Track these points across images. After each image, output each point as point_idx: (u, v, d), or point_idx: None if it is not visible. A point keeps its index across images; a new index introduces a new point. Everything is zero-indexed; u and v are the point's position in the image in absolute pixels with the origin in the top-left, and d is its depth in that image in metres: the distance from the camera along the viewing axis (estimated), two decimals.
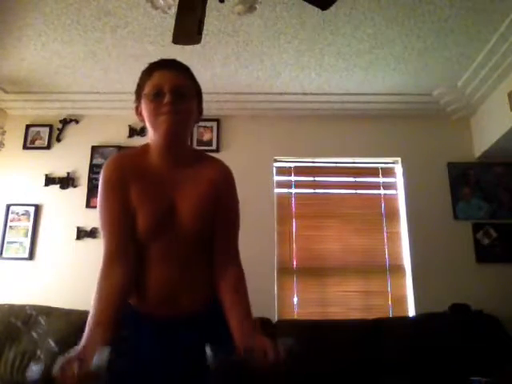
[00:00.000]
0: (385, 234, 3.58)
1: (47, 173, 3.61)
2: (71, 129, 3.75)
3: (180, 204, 1.29)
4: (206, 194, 1.33)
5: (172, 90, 1.25)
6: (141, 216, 1.26)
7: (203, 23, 2.03)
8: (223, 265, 1.37)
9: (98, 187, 1.31)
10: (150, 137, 1.33)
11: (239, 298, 1.31)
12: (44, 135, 3.73)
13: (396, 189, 3.71)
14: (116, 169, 1.30)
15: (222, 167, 1.43)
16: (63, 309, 2.97)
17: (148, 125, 1.30)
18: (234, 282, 1.34)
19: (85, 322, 1.17)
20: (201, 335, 1.22)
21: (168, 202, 1.29)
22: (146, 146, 1.35)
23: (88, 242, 3.41)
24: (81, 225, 3.44)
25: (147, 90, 1.27)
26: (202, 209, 1.31)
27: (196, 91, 1.34)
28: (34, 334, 2.80)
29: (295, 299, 3.41)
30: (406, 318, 3.29)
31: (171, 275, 1.27)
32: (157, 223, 1.27)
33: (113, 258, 1.23)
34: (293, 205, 3.63)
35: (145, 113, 1.29)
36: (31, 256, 3.42)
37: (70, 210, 3.50)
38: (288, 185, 3.70)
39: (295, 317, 3.36)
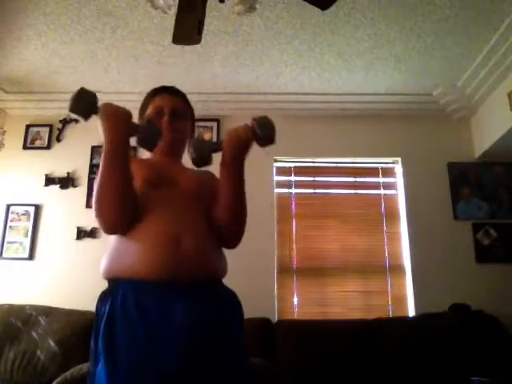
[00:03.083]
0: (385, 234, 3.58)
1: (47, 173, 3.61)
2: (71, 129, 3.75)
3: (178, 177, 1.44)
4: (202, 177, 1.51)
5: (171, 110, 1.50)
6: (142, 173, 1.38)
7: (203, 23, 2.03)
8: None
9: None
10: (147, 155, 1.53)
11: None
12: (44, 135, 3.73)
13: (396, 189, 3.71)
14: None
15: (208, 171, 1.58)
16: (63, 309, 2.97)
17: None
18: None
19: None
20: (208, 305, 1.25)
21: (167, 172, 1.44)
22: (147, 157, 1.57)
23: (88, 242, 3.41)
24: (81, 225, 3.44)
25: (150, 110, 1.52)
26: (197, 179, 1.48)
27: (190, 114, 1.61)
28: (34, 334, 2.80)
29: (295, 299, 3.41)
30: (406, 318, 3.29)
31: (174, 216, 1.31)
32: (157, 176, 1.40)
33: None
34: (293, 205, 3.63)
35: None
36: (31, 256, 3.42)
37: (70, 210, 3.50)
38: (288, 185, 3.70)
39: (295, 317, 3.36)
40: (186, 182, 1.44)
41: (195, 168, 1.49)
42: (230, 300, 1.39)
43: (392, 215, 3.63)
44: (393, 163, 3.76)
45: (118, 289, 1.22)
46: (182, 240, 1.25)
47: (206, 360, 1.17)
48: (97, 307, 1.25)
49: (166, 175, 1.43)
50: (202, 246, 1.29)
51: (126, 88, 3.45)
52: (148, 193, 1.35)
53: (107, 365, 1.11)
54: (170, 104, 1.51)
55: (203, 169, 1.48)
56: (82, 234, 3.43)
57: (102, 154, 1.24)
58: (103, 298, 1.25)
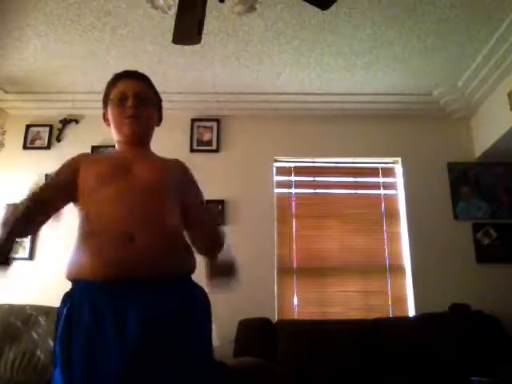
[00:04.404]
0: (385, 233, 3.58)
1: (47, 173, 3.60)
2: (71, 129, 3.75)
3: (137, 168, 1.38)
4: (167, 166, 1.47)
5: (135, 95, 1.43)
6: (95, 169, 1.36)
7: (203, 23, 2.03)
8: (195, 218, 1.48)
9: None
10: (115, 140, 1.49)
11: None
12: (44, 135, 3.73)
13: (396, 189, 3.71)
14: (77, 157, 1.46)
15: (180, 161, 1.56)
16: None
17: (113, 128, 1.47)
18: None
19: None
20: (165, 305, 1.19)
21: (124, 164, 1.38)
22: (109, 151, 1.58)
23: None
24: None
25: (113, 95, 1.46)
26: (160, 168, 1.43)
27: (157, 99, 1.55)
28: (34, 334, 2.80)
29: (295, 299, 3.41)
30: (406, 318, 3.28)
31: (126, 213, 1.26)
32: (111, 170, 1.35)
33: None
34: (293, 205, 3.63)
35: (111, 117, 1.46)
36: (31, 256, 3.42)
37: (70, 210, 3.49)
38: (288, 185, 3.70)
39: (295, 317, 3.36)
40: (145, 173, 1.36)
41: (158, 157, 1.49)
42: (194, 298, 1.30)
43: (392, 215, 3.63)
44: (393, 163, 3.76)
45: (76, 290, 1.21)
46: (133, 238, 1.20)
47: (157, 362, 1.12)
48: (58, 309, 1.22)
49: (123, 168, 1.36)
50: (157, 244, 1.23)
51: None
52: (100, 190, 1.30)
53: (63, 368, 1.09)
54: (134, 89, 1.45)
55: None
56: None
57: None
58: (64, 299, 1.22)
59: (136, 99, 1.42)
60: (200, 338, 1.25)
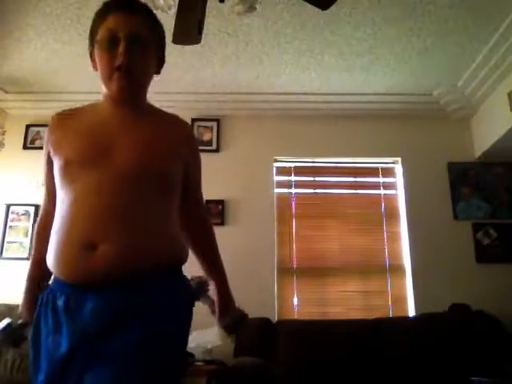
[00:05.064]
0: (385, 234, 3.58)
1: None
2: None
3: (119, 145, 1.13)
4: (158, 138, 1.19)
5: (128, 37, 1.13)
6: (66, 147, 1.14)
7: (203, 23, 2.03)
8: (187, 210, 1.31)
9: None
10: (102, 89, 1.22)
11: (209, 242, 1.38)
12: (44, 135, 3.72)
13: (396, 189, 3.71)
14: (51, 126, 1.27)
15: (183, 121, 1.32)
16: None
17: (100, 77, 1.19)
18: (202, 224, 1.38)
19: None
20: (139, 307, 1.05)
21: (103, 140, 1.14)
22: (94, 103, 1.27)
23: None
24: None
25: (100, 35, 1.16)
26: (149, 144, 1.16)
27: (158, 36, 1.24)
28: None
29: (295, 299, 3.41)
30: (406, 318, 3.28)
31: (99, 204, 1.06)
32: (82, 154, 1.12)
33: (47, 211, 1.25)
34: (293, 205, 3.63)
35: (98, 63, 1.18)
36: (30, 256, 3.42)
37: None
38: (288, 185, 3.70)
39: (295, 317, 3.36)
40: (129, 155, 1.11)
41: (155, 115, 1.26)
42: (172, 297, 1.11)
43: (392, 215, 3.63)
44: (393, 163, 3.76)
45: (47, 287, 1.15)
46: (96, 247, 1.03)
47: (90, 361, 1.01)
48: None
49: (100, 148, 1.12)
50: (125, 253, 1.04)
51: None
52: (67, 183, 1.11)
53: (33, 365, 1.08)
54: (128, 28, 1.14)
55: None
56: None
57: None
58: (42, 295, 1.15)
59: (129, 43, 1.12)
60: (158, 337, 1.04)
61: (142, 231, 1.09)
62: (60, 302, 1.05)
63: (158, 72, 1.27)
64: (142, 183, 1.12)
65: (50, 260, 1.11)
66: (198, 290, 1.37)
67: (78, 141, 1.14)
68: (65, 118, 1.25)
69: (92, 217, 1.06)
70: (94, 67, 1.22)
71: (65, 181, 1.12)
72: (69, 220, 1.08)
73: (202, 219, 1.38)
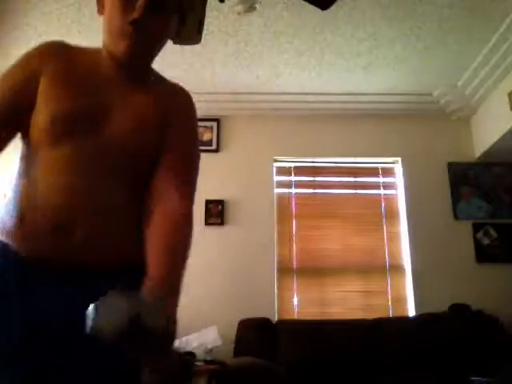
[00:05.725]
0: (385, 234, 3.58)
1: None
2: None
3: (113, 114, 0.97)
4: (153, 113, 1.02)
5: None
6: (55, 101, 0.95)
7: (203, 23, 2.03)
8: (162, 193, 0.98)
9: None
10: (104, 40, 1.06)
11: (171, 241, 0.93)
12: None
13: (396, 189, 3.71)
14: (51, 54, 1.09)
15: (184, 92, 1.13)
16: None
17: (106, 27, 1.03)
18: (173, 217, 0.95)
19: None
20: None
21: (101, 102, 0.98)
22: (97, 50, 1.09)
23: None
24: None
25: None
26: (141, 126, 1.00)
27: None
28: None
29: (295, 299, 3.41)
30: (406, 318, 3.28)
31: (74, 185, 0.91)
32: (75, 114, 0.95)
33: None
34: (293, 205, 3.63)
35: (107, 7, 1.00)
36: None
37: None
38: (288, 185, 3.69)
39: (295, 317, 3.36)
40: (118, 133, 0.97)
41: (156, 84, 1.10)
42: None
43: (392, 215, 3.63)
44: (393, 163, 3.76)
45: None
46: (72, 227, 0.89)
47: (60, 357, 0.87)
48: None
49: (94, 115, 0.96)
50: (99, 240, 0.92)
51: None
52: (52, 138, 0.94)
53: None
54: None
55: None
56: None
57: None
58: None
59: (148, 6, 0.94)
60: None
61: (118, 217, 0.96)
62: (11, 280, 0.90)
63: (174, 38, 1.14)
64: (126, 160, 0.98)
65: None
66: (182, 374, 1.00)
67: (72, 100, 0.96)
68: (66, 55, 1.07)
69: (69, 199, 0.90)
70: (100, 11, 1.05)
71: (42, 142, 0.94)
72: (40, 199, 0.91)
73: (178, 222, 0.96)
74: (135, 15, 0.94)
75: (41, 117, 0.95)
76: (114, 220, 0.96)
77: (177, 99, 1.10)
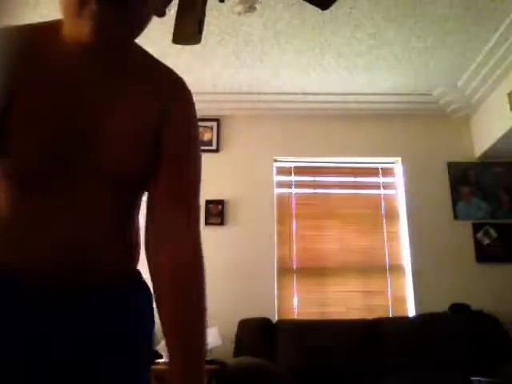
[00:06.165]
0: (385, 233, 3.58)
1: None
2: None
3: (103, 122, 0.77)
4: (148, 113, 0.82)
5: None
6: (22, 137, 0.72)
7: (203, 23, 2.03)
8: (166, 222, 0.82)
9: None
10: (63, 17, 0.75)
11: (189, 317, 0.80)
12: None
13: (396, 189, 3.71)
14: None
15: (182, 82, 0.90)
16: None
17: (62, 4, 0.71)
18: (183, 275, 0.81)
19: None
20: (97, 318, 0.80)
21: (82, 116, 0.76)
22: (56, 26, 0.76)
23: None
24: None
25: None
26: (139, 134, 0.81)
27: None
28: None
29: (295, 299, 3.41)
30: (406, 318, 3.28)
31: (68, 236, 0.77)
32: (53, 152, 0.74)
33: None
34: (293, 205, 3.63)
35: None
36: None
37: None
38: (288, 185, 3.70)
39: (295, 317, 3.36)
40: (114, 144, 0.78)
41: (141, 69, 0.85)
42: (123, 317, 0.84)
43: (392, 215, 3.63)
44: (393, 163, 3.76)
45: None
46: (74, 261, 0.78)
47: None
48: None
49: (77, 137, 0.75)
50: (85, 250, 0.79)
51: None
52: (26, 184, 0.76)
53: None
54: None
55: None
56: None
57: None
58: None
59: None
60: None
61: (117, 244, 0.86)
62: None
63: (160, 13, 0.80)
64: (119, 192, 0.82)
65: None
66: None
67: (40, 125, 0.72)
68: (30, 54, 0.74)
69: (53, 247, 0.76)
70: None
71: (13, 185, 0.77)
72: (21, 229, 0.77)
73: (190, 254, 0.83)
74: None
75: (8, 160, 0.74)
76: (99, 233, 0.82)
77: (175, 90, 0.88)
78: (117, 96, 0.79)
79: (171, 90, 0.87)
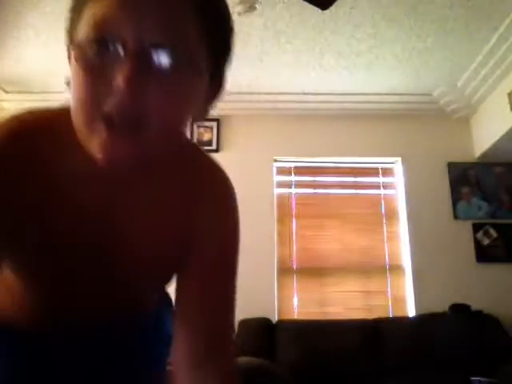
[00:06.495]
0: (385, 233, 3.58)
1: None
2: None
3: (121, 231, 0.67)
4: (177, 218, 0.72)
5: (142, 45, 0.49)
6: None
7: None
8: (202, 350, 0.71)
9: None
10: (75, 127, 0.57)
11: None
12: None
13: (396, 189, 3.71)
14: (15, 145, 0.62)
15: (223, 179, 0.81)
16: None
17: (72, 109, 0.54)
18: None
19: None
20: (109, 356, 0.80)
21: (102, 222, 0.65)
22: (64, 121, 0.59)
23: None
24: None
25: (82, 33, 0.52)
26: (161, 245, 0.72)
27: (218, 38, 0.58)
28: None
29: (295, 299, 3.41)
30: (406, 318, 3.28)
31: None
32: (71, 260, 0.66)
33: None
34: (293, 205, 3.63)
35: (73, 83, 0.53)
36: None
37: None
38: (288, 185, 3.69)
39: (295, 317, 3.36)
40: (128, 261, 0.69)
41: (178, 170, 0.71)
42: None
43: (392, 215, 3.63)
44: (392, 163, 3.76)
45: None
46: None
47: None
48: None
49: (92, 253, 0.66)
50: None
51: None
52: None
53: None
54: (143, 23, 0.49)
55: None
56: None
57: None
58: None
59: (142, 61, 0.49)
60: None
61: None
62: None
63: (205, 111, 0.64)
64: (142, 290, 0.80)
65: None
66: None
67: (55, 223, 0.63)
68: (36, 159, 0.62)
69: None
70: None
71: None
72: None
73: None
74: (111, 103, 0.50)
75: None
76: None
77: (211, 190, 0.76)
78: (138, 202, 0.68)
79: (209, 202, 0.75)
